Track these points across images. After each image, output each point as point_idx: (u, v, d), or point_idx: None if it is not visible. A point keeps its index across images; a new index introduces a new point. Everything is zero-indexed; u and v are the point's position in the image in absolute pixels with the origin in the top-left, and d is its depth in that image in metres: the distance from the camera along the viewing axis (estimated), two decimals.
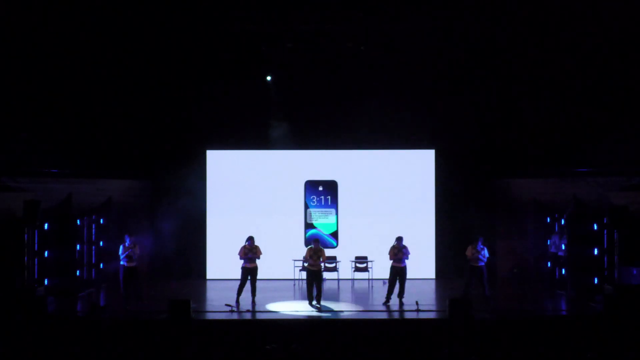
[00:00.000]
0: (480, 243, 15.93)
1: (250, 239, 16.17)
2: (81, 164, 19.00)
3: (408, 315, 14.93)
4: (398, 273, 16.00)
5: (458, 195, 19.69)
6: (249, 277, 16.08)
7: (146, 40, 18.99)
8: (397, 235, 16.20)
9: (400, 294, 15.92)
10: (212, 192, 20.07)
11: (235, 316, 14.83)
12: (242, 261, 16.15)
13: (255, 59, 19.45)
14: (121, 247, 16.06)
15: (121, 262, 15.99)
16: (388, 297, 15.99)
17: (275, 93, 19.73)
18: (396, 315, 15.07)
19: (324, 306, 15.54)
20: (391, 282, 16.06)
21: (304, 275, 16.61)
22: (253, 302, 15.88)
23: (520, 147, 19.56)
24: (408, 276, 16.05)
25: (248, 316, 14.88)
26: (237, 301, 15.79)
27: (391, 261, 16.09)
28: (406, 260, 16.00)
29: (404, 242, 16.05)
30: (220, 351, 13.07)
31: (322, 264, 16.16)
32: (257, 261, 16.16)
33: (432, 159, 20.06)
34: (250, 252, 16.05)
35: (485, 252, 15.97)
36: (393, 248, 16.07)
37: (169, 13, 18.54)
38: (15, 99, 18.43)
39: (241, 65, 19.34)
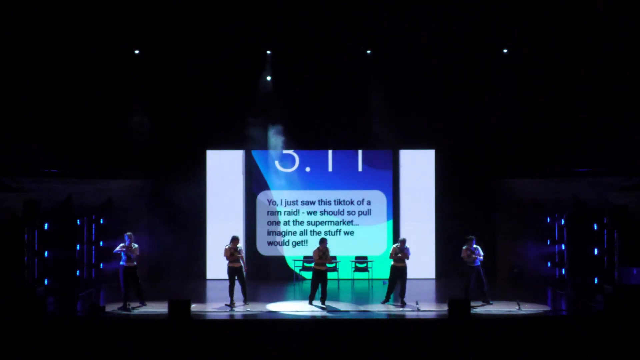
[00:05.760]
0: (473, 243, 15.92)
1: (233, 240, 15.80)
2: (81, 164, 19.00)
3: (408, 315, 14.92)
4: (398, 272, 16.00)
5: (458, 195, 19.65)
6: (236, 277, 15.78)
7: (146, 40, 19.00)
8: (401, 238, 16.34)
9: (402, 294, 15.90)
10: (212, 192, 20.04)
11: (235, 316, 14.82)
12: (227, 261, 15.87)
13: (255, 59, 19.45)
14: (120, 245, 16.04)
15: (121, 263, 15.97)
16: (387, 297, 16.00)
17: (275, 93, 19.72)
18: (396, 315, 15.06)
19: (328, 306, 15.52)
20: (391, 281, 16.08)
21: (304, 275, 16.57)
22: (245, 302, 15.72)
23: (520, 147, 19.54)
24: (408, 276, 16.04)
25: (248, 316, 14.87)
26: (232, 302, 15.58)
27: (392, 261, 16.12)
28: (406, 261, 16.01)
29: (407, 244, 16.08)
30: (220, 351, 13.08)
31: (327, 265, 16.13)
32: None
33: (432, 159, 20.05)
34: (235, 252, 15.84)
35: (480, 251, 15.94)
36: (394, 248, 16.13)
37: (169, 13, 18.56)
38: (16, 99, 18.44)
39: (241, 66, 19.34)
